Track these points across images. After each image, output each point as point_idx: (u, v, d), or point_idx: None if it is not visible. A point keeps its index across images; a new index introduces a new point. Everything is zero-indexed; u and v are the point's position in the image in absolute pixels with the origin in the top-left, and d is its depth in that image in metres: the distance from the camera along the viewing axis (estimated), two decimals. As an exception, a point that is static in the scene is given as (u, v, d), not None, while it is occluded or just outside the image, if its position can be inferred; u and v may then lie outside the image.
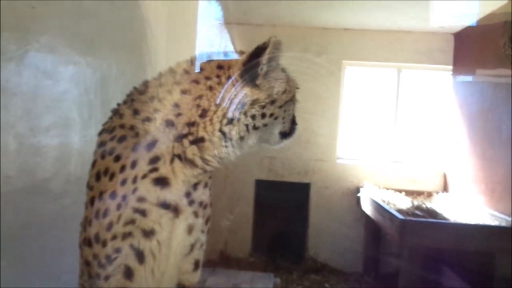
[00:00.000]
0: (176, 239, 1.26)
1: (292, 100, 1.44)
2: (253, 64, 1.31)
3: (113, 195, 1.20)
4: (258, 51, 1.31)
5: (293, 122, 1.47)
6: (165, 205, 1.22)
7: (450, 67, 4.97)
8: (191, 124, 1.25)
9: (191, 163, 1.26)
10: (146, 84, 1.36)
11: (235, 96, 1.30)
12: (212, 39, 4.61)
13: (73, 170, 2.07)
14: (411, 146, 5.27)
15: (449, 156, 4.98)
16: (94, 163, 1.31)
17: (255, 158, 5.14)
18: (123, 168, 1.21)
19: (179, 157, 1.25)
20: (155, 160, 1.23)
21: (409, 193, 4.76)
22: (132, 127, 1.26)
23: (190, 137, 1.24)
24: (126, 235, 1.19)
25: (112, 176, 1.22)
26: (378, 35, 5.04)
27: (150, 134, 1.24)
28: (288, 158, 5.17)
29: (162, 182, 1.22)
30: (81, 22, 2.08)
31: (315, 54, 5.04)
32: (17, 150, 1.68)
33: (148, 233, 1.20)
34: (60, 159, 1.97)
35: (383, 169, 5.10)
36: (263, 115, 1.34)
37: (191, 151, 1.25)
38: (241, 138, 1.32)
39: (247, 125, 1.31)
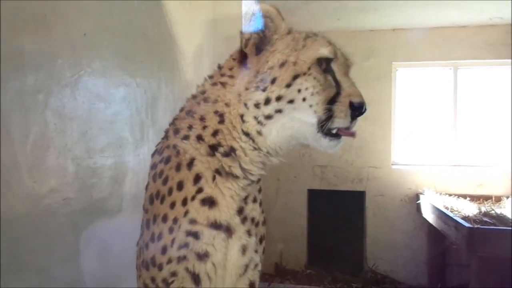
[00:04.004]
0: (231, 260, 1.22)
1: (309, 74, 1.15)
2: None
3: (164, 218, 1.19)
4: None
5: (330, 109, 1.14)
6: (216, 226, 1.19)
7: (513, 60, 4.60)
8: (215, 133, 1.21)
9: (232, 176, 1.21)
10: (187, 99, 1.35)
11: (234, 86, 1.22)
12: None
13: (128, 189, 2.13)
14: (473, 148, 4.92)
15: (518, 157, 4.58)
16: (147, 186, 1.32)
17: (306, 167, 5.04)
18: (170, 191, 1.20)
19: (218, 172, 1.21)
20: (197, 179, 1.20)
21: (474, 198, 4.42)
22: (174, 147, 1.25)
23: (222, 150, 1.20)
24: (181, 259, 1.17)
25: (163, 199, 1.21)
26: (430, 33, 4.79)
27: (188, 152, 1.22)
28: (340, 166, 5.02)
29: (209, 201, 1.19)
30: (130, 44, 2.14)
31: (363, 58, 4.88)
32: (75, 172, 1.73)
33: (203, 256, 1.17)
34: (116, 179, 2.02)
35: (443, 173, 4.79)
36: (267, 100, 1.15)
37: (227, 164, 1.21)
38: (259, 133, 1.19)
39: (255, 117, 1.17)
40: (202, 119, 1.23)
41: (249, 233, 1.26)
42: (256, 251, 1.30)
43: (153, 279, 1.21)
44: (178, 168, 1.21)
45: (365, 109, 1.18)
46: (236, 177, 1.22)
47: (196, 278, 1.18)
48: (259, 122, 1.18)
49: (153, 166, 1.31)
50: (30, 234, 1.51)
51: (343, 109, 1.16)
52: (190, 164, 1.21)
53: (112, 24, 2.01)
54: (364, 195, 5.01)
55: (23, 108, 1.44)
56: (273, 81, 1.15)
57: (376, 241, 4.94)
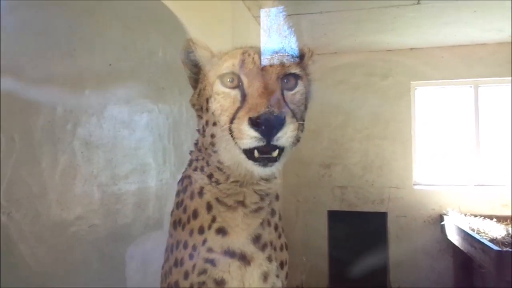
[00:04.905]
0: None
1: (212, 95, 1.11)
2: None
3: (185, 245, 1.22)
4: None
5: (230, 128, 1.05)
6: (230, 253, 1.20)
7: (535, 77, 4.52)
8: (207, 163, 1.24)
9: (229, 206, 1.22)
10: None
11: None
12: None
13: (151, 214, 2.15)
14: (497, 167, 4.79)
15: (546, 175, 4.44)
16: (172, 212, 1.35)
17: (326, 188, 4.99)
18: (189, 219, 1.23)
19: (219, 201, 1.23)
20: (210, 208, 1.23)
21: (501, 219, 4.28)
22: (189, 177, 1.29)
23: (213, 179, 1.22)
24: (201, 284, 1.18)
25: (183, 226, 1.24)
26: (448, 51, 4.76)
27: (197, 182, 1.24)
28: (361, 186, 4.96)
29: (221, 230, 1.21)
30: (152, 71, 2.20)
31: (381, 78, 4.88)
32: (101, 199, 1.77)
33: (220, 283, 1.19)
34: (139, 205, 2.05)
35: (467, 193, 4.67)
36: (203, 127, 1.18)
37: (219, 194, 1.22)
38: (220, 162, 1.17)
39: (206, 147, 1.21)
40: (199, 149, 1.28)
41: (269, 259, 1.25)
42: (277, 276, 1.28)
43: None
44: (192, 197, 1.26)
45: (281, 120, 0.98)
46: (230, 207, 1.22)
47: None
48: (212, 152, 1.18)
49: (177, 194, 1.35)
50: (57, 262, 1.54)
51: (240, 128, 1.00)
52: (200, 193, 1.24)
53: (135, 54, 2.07)
54: (386, 216, 4.91)
55: (53, 139, 1.49)
56: (201, 108, 1.19)
57: (400, 263, 4.81)
